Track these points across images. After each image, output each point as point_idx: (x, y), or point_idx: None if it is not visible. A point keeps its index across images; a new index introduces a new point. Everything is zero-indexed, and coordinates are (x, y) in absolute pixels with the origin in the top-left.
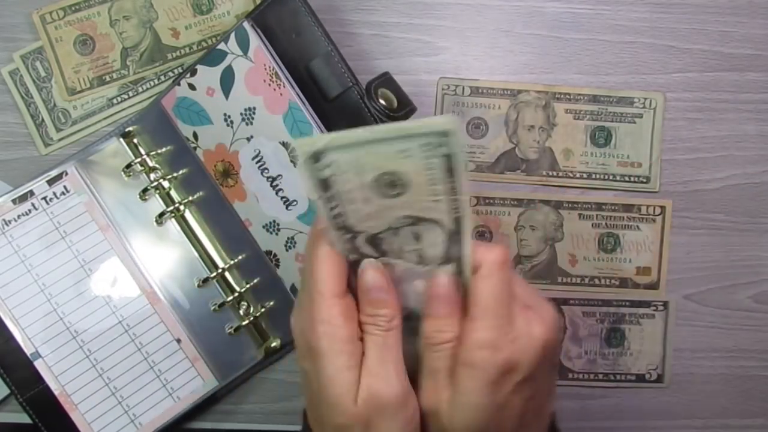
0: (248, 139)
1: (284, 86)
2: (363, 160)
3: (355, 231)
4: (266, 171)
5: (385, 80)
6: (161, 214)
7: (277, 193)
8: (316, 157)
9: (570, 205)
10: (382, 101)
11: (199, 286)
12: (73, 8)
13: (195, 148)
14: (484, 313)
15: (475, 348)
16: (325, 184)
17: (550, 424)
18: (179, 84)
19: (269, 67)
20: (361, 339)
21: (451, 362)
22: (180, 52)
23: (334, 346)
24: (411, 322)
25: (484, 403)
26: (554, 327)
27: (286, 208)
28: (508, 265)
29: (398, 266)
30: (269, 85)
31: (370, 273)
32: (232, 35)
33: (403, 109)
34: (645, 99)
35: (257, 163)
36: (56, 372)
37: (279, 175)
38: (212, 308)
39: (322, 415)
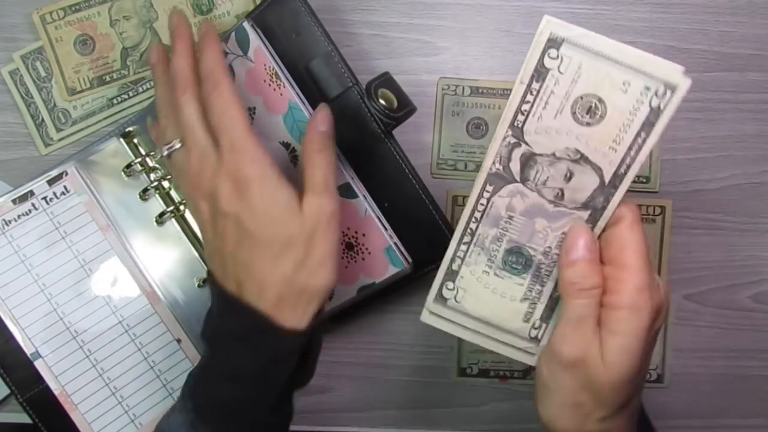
0: None
1: (284, 86)
2: (589, 72)
3: (523, 139)
4: None
5: (385, 80)
6: (161, 214)
7: None
8: (556, 42)
9: None
10: (381, 101)
11: (199, 286)
12: (73, 8)
13: None
14: (638, 259)
15: (635, 291)
16: (538, 75)
17: None
18: None
19: (269, 67)
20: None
21: (597, 309)
22: None
23: (267, 171)
24: (514, 258)
25: (641, 345)
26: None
27: None
28: None
29: (528, 199)
30: (269, 85)
31: (324, 112)
32: (232, 35)
33: (403, 109)
34: None
35: None
36: (56, 372)
37: None
38: None
39: (264, 241)
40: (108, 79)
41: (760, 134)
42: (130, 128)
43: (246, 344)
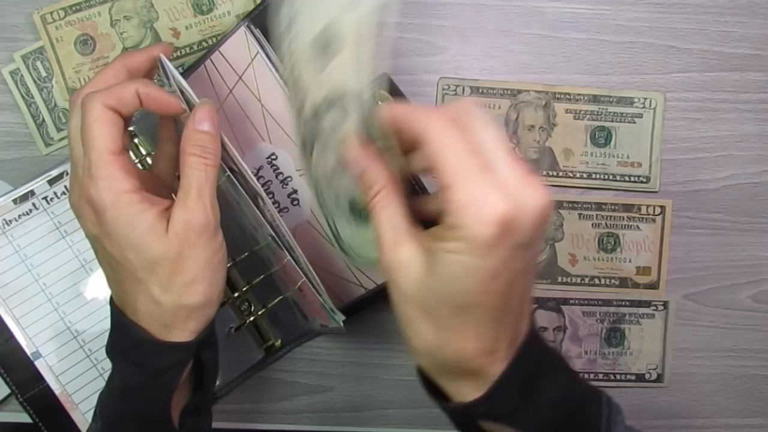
0: None
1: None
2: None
3: (300, 98)
4: None
5: (382, 82)
6: None
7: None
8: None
9: (570, 205)
10: (379, 102)
11: None
12: (73, 8)
13: None
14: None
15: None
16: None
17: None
18: None
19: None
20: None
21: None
22: (180, 52)
23: (121, 197)
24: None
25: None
26: None
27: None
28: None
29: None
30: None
31: (204, 109)
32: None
33: None
34: (645, 99)
35: None
36: (57, 372)
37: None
38: None
39: (126, 267)
40: None
41: (760, 134)
42: (131, 128)
43: (131, 359)
